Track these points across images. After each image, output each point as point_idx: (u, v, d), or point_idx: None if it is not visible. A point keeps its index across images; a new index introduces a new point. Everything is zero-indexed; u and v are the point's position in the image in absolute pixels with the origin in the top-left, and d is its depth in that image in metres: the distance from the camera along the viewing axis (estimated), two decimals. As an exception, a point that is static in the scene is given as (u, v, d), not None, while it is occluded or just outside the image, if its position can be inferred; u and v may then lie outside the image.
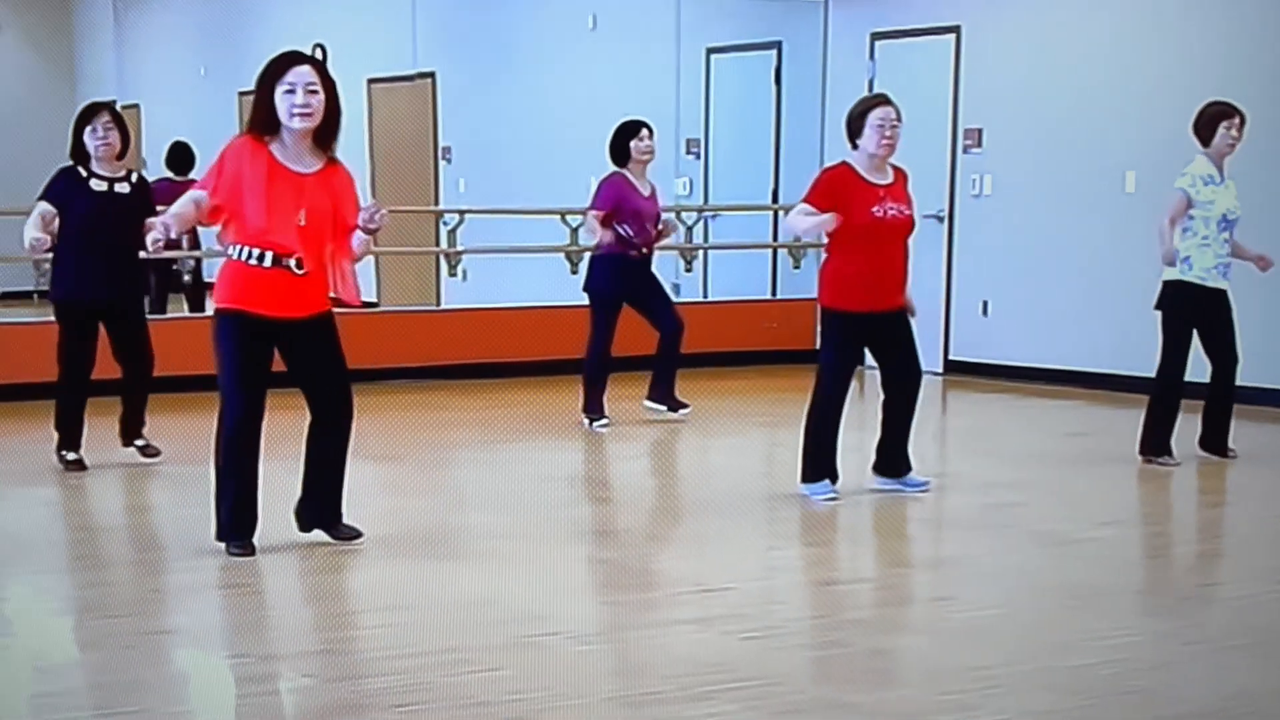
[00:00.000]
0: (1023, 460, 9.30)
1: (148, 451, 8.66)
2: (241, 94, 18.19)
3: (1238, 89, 9.74)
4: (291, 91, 6.34)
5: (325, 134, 6.47)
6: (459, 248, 12.86)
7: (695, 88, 14.19)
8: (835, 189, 7.60)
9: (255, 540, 6.63)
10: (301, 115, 6.34)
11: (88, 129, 8.30)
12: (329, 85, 6.44)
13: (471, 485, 8.70)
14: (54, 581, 6.42)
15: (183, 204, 6.52)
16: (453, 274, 13.11)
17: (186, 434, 8.75)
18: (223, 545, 6.60)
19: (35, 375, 10.79)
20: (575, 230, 12.74)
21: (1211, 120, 8.70)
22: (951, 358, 13.00)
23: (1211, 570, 7.06)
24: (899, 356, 7.89)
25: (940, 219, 12.96)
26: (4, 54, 19.01)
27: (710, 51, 14.25)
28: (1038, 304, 12.39)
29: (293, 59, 6.43)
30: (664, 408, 10.18)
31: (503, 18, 15.80)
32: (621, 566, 6.81)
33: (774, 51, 13.99)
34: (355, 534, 6.86)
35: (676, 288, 13.82)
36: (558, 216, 12.81)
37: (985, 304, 12.73)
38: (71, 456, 8.52)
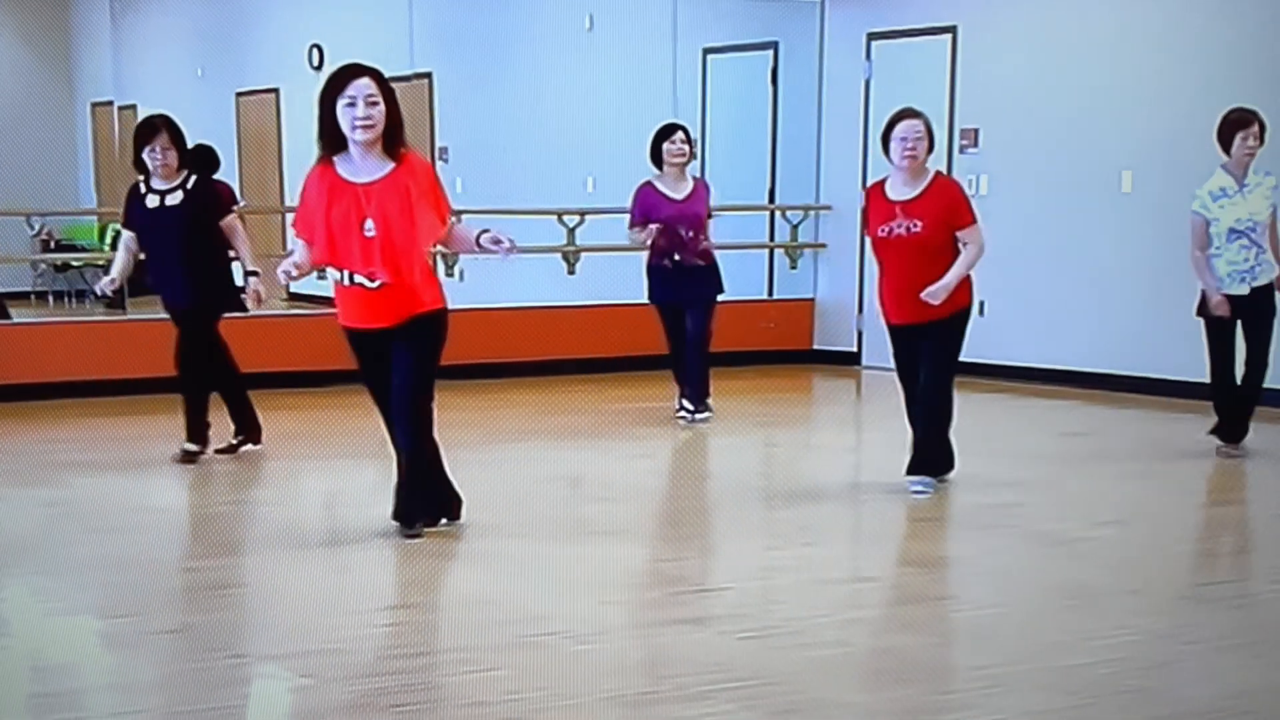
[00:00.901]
0: (1021, 460, 9.30)
1: (186, 458, 8.70)
2: (239, 95, 18.24)
3: (1235, 89, 9.76)
4: (353, 105, 6.46)
5: (390, 141, 6.56)
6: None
7: (692, 88, 14.18)
8: (869, 211, 7.91)
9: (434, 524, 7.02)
10: (364, 127, 6.47)
11: (146, 150, 8.49)
12: (389, 94, 6.55)
13: (469, 485, 8.67)
14: (53, 582, 6.41)
15: (299, 249, 6.80)
16: (450, 274, 13.11)
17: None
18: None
19: (36, 375, 10.83)
20: (572, 231, 12.75)
21: (1229, 129, 8.76)
22: (948, 358, 12.99)
23: (1210, 570, 7.07)
24: (922, 366, 7.90)
25: (937, 219, 12.96)
26: (1, 55, 19.00)
27: (707, 52, 14.25)
28: (1034, 304, 12.39)
29: (353, 72, 6.54)
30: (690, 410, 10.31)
31: (499, 18, 15.79)
32: (619, 566, 6.81)
33: (770, 52, 13.99)
34: (413, 535, 6.94)
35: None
36: (555, 217, 12.82)
37: (982, 304, 12.69)
38: (189, 447, 8.70)
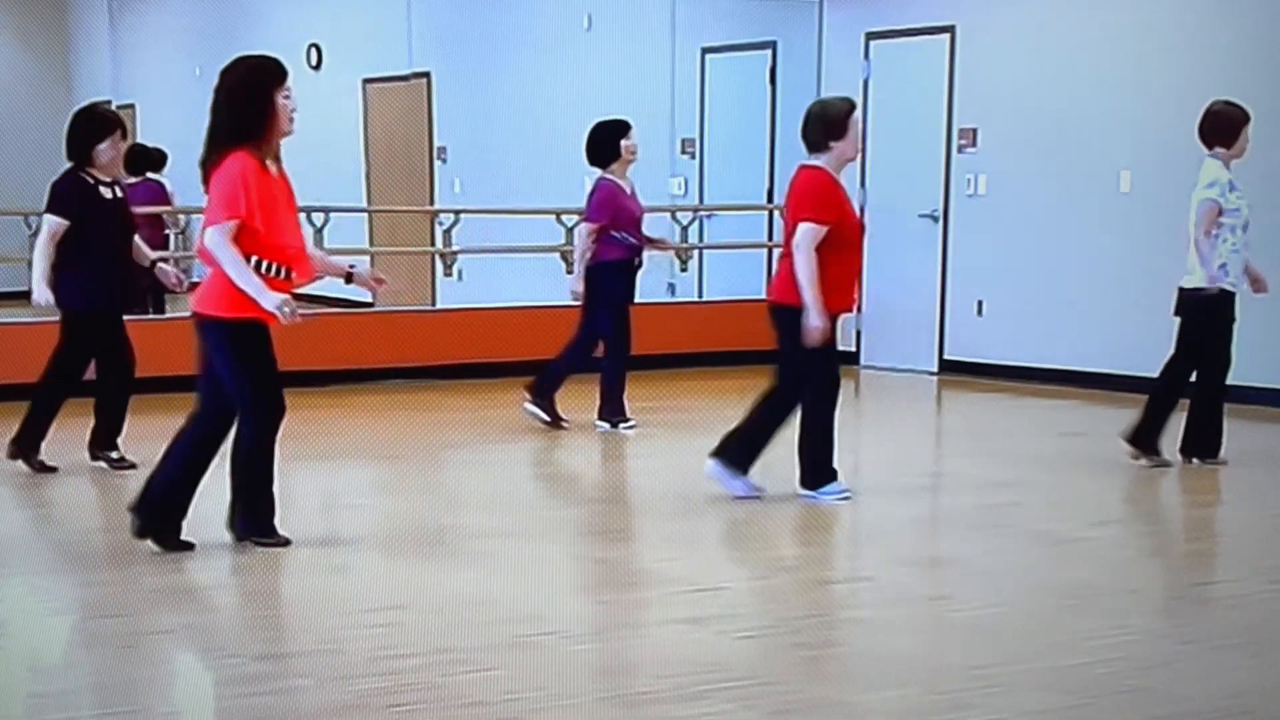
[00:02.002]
0: (1018, 460, 9.29)
1: (122, 464, 8.44)
2: (237, 94, 18.21)
3: (1233, 89, 9.71)
4: (289, 98, 6.41)
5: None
6: (454, 248, 12.86)
7: (690, 87, 14.19)
8: (837, 198, 7.57)
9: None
10: (294, 123, 6.43)
11: (108, 140, 8.22)
12: None
13: (467, 485, 8.69)
14: (49, 582, 6.41)
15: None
16: (448, 274, 13.12)
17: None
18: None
19: (33, 375, 10.80)
20: (570, 230, 12.74)
21: (1236, 123, 8.51)
22: (946, 357, 13.00)
23: (1207, 569, 7.06)
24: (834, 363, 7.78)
25: (935, 219, 12.97)
26: (-2, 55, 19.01)
27: (705, 51, 14.25)
28: (1032, 304, 12.40)
29: (284, 67, 6.47)
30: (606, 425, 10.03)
31: (498, 18, 15.80)
32: (616, 566, 6.81)
33: (769, 51, 13.99)
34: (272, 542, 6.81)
35: (672, 287, 13.85)
36: (553, 216, 12.81)
37: (980, 304, 12.74)
38: (43, 459, 8.45)
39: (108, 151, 8.24)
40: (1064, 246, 12.18)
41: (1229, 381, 8.80)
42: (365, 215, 15.60)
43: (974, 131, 12.70)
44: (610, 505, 8.23)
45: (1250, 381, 10.37)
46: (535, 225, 13.14)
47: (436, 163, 16.63)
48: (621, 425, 9.95)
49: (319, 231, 11.58)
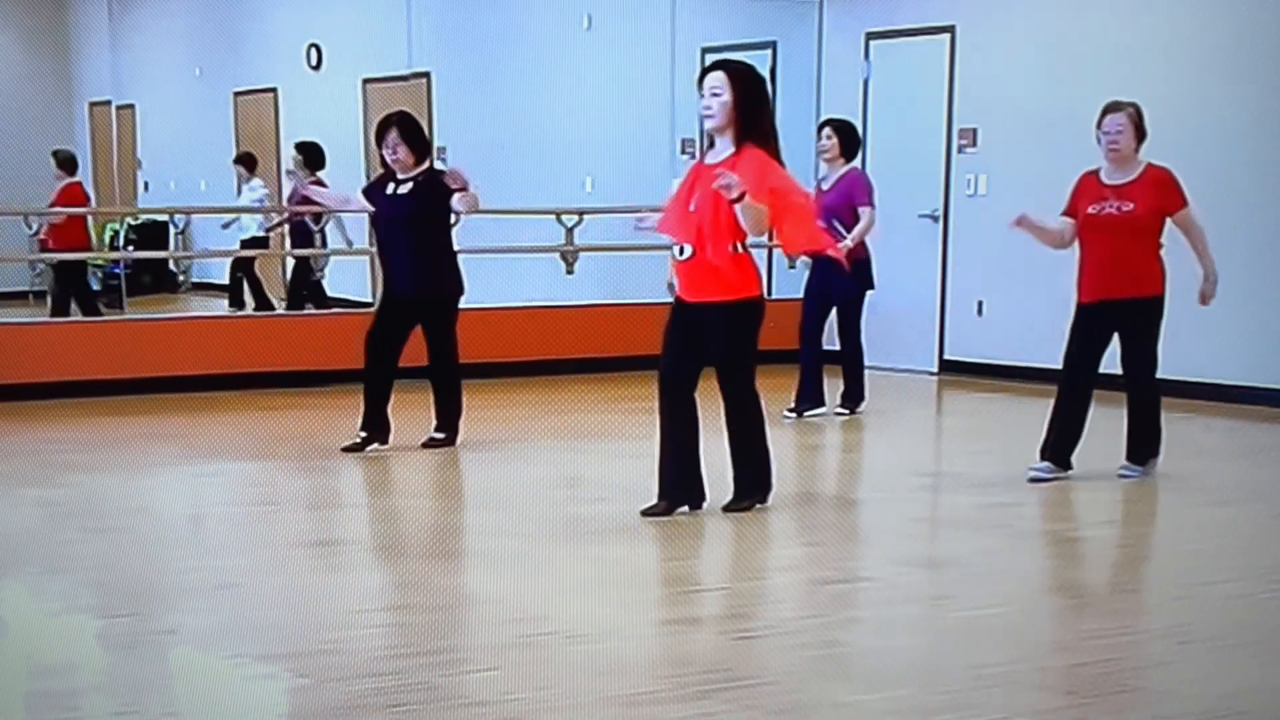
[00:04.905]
0: (1018, 460, 9.26)
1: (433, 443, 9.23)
2: (237, 94, 18.23)
3: (1235, 88, 9.75)
4: (702, 97, 7.16)
5: (737, 128, 7.15)
6: (454, 248, 12.84)
7: (690, 87, 14.14)
8: (1074, 191, 8.49)
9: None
10: (706, 117, 7.19)
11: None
12: (736, 86, 7.12)
13: (468, 485, 8.70)
14: (52, 581, 6.41)
15: None
16: (448, 274, 13.10)
17: (190, 435, 8.77)
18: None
19: (35, 375, 10.83)
20: (571, 231, 12.74)
21: None
22: (946, 357, 13.01)
23: (1208, 569, 7.05)
24: (1125, 348, 8.52)
25: (935, 219, 12.98)
26: (-1, 55, 19.01)
27: (705, 51, 14.22)
28: (1032, 304, 12.38)
29: (708, 69, 7.27)
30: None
31: (498, 18, 15.80)
32: (618, 566, 6.81)
33: (769, 51, 13.99)
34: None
35: (672, 287, 13.82)
36: (553, 216, 12.82)
37: (980, 304, 12.73)
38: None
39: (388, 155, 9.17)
40: (1064, 246, 12.16)
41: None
42: (365, 215, 15.59)
43: (974, 131, 12.70)
44: (610, 505, 8.23)
45: (1250, 381, 10.38)
46: (535, 225, 13.14)
47: (436, 163, 16.63)
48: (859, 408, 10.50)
49: (319, 232, 11.59)
